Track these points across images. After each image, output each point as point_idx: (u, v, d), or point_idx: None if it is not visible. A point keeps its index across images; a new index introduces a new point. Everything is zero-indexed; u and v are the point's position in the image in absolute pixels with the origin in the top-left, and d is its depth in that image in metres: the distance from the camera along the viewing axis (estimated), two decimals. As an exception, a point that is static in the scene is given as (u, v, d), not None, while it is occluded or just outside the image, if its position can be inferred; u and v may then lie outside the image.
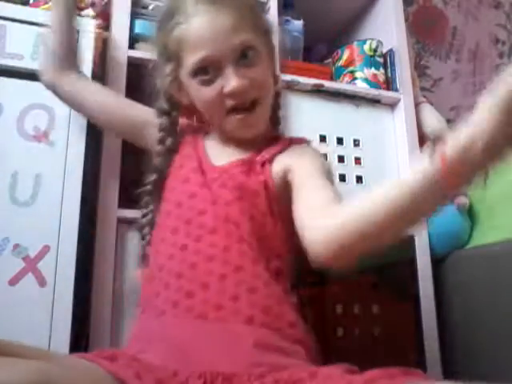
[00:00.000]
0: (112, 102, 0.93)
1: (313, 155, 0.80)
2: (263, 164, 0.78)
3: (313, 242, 0.64)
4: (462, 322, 1.27)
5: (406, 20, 2.02)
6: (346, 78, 1.46)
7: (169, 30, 0.75)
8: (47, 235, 0.94)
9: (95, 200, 1.10)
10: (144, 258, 0.88)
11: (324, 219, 0.64)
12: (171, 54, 0.76)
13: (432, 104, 1.61)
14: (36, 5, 1.11)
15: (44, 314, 0.90)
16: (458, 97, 2.23)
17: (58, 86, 0.93)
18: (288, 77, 1.30)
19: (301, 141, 0.86)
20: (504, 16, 2.43)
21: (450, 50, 2.27)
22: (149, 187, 0.86)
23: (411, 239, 1.31)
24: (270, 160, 0.78)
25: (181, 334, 0.68)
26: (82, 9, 1.22)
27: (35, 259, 0.92)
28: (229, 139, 0.83)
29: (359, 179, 1.34)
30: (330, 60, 1.55)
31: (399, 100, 1.43)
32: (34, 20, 1.03)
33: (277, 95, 0.89)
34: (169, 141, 0.83)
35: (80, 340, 1.02)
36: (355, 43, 1.47)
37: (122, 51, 1.15)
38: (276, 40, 0.85)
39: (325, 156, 1.30)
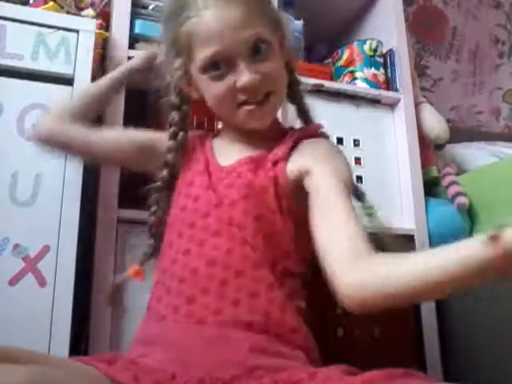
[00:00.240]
0: (122, 137, 0.91)
1: (332, 156, 0.78)
2: (276, 162, 0.76)
3: (344, 288, 0.63)
4: (462, 321, 1.27)
5: (406, 20, 2.02)
6: (346, 78, 1.46)
7: (179, 25, 0.73)
8: (47, 235, 0.94)
9: (95, 200, 1.10)
10: (149, 257, 0.88)
11: (358, 272, 0.61)
12: (181, 49, 0.75)
13: (432, 104, 1.61)
14: (36, 5, 1.11)
15: (44, 314, 0.90)
16: (458, 97, 2.23)
17: (61, 135, 0.89)
18: (288, 77, 1.30)
19: (313, 133, 0.85)
20: (504, 16, 2.43)
21: (449, 50, 2.27)
22: (159, 183, 0.83)
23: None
24: (284, 158, 0.77)
25: (181, 339, 0.68)
26: (81, 9, 1.22)
27: (35, 259, 0.92)
28: (238, 136, 0.82)
29: (359, 179, 1.34)
30: (330, 60, 1.55)
31: (399, 100, 1.43)
32: (34, 20, 1.03)
33: (296, 83, 0.87)
34: (181, 135, 0.82)
35: (80, 340, 1.02)
36: (355, 43, 1.47)
37: (122, 51, 1.15)
38: (287, 30, 0.84)
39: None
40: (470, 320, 1.25)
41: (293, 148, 0.79)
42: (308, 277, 0.80)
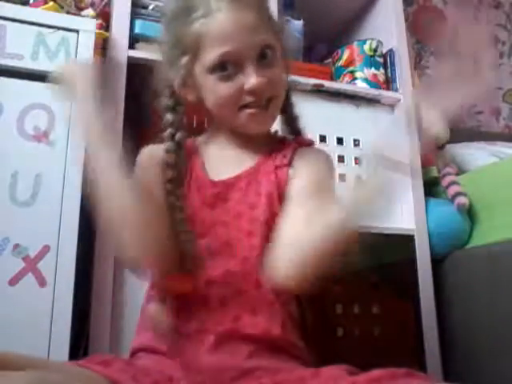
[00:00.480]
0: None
1: (314, 164, 0.79)
2: (278, 167, 0.77)
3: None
4: (462, 321, 1.27)
5: (406, 20, 2.02)
6: (346, 78, 1.46)
7: (187, 24, 0.73)
8: (47, 235, 0.94)
9: (95, 200, 1.09)
10: None
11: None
12: (187, 48, 0.74)
13: (432, 104, 1.61)
14: (36, 5, 1.11)
15: (44, 314, 0.90)
16: (458, 97, 2.22)
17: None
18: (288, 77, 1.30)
19: (310, 143, 0.86)
20: (504, 16, 2.43)
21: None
22: (168, 186, 0.77)
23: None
24: (288, 163, 0.77)
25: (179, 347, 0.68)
26: (81, 9, 1.23)
27: (35, 259, 0.92)
28: (232, 142, 0.81)
29: (359, 179, 1.34)
30: (329, 60, 1.55)
31: (399, 100, 1.43)
32: (34, 20, 1.03)
33: (288, 95, 0.88)
34: (178, 135, 0.78)
35: (80, 340, 1.02)
36: (355, 43, 1.47)
37: (122, 51, 1.15)
38: (287, 39, 0.84)
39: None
40: (470, 320, 1.25)
41: (293, 154, 0.79)
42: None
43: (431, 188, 1.44)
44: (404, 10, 1.56)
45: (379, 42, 1.48)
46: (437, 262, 1.33)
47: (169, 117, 0.79)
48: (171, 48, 0.76)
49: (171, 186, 0.75)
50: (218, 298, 0.69)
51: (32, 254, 0.92)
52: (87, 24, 1.08)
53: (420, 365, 1.20)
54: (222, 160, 0.81)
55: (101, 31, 1.11)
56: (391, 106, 1.45)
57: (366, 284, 1.27)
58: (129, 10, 1.19)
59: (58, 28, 1.04)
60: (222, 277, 0.70)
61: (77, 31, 1.06)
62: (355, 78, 1.44)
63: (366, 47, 1.46)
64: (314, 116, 1.35)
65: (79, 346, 1.02)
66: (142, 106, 1.21)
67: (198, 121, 1.11)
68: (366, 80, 1.43)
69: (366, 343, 1.20)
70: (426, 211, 1.35)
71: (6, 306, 0.88)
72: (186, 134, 0.80)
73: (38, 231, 0.94)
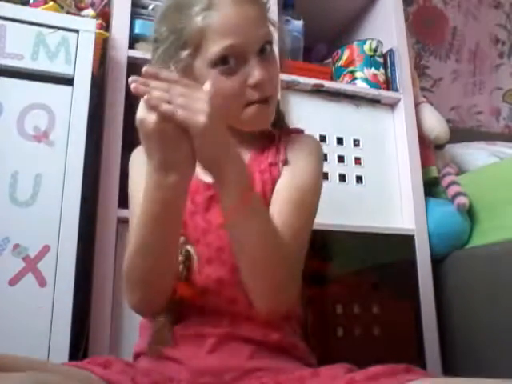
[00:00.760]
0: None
1: (309, 156, 0.79)
2: (274, 164, 0.76)
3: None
4: (462, 321, 1.27)
5: (406, 20, 2.02)
6: (346, 78, 1.46)
7: (188, 17, 0.71)
8: (47, 235, 0.94)
9: (95, 200, 1.10)
10: None
11: None
12: (189, 41, 0.72)
13: (432, 104, 1.61)
14: (36, 5, 1.11)
15: (44, 314, 0.90)
16: (458, 97, 2.23)
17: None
18: (288, 77, 1.30)
19: (295, 131, 0.85)
20: (504, 16, 2.43)
21: (449, 50, 2.27)
22: None
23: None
24: (284, 160, 0.77)
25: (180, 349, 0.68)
26: (81, 9, 1.22)
27: (35, 259, 0.92)
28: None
29: (359, 179, 1.34)
30: (329, 60, 1.55)
31: (399, 100, 1.43)
32: (34, 20, 1.03)
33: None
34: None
35: (80, 340, 1.02)
36: (355, 43, 1.47)
37: (122, 51, 1.15)
38: (283, 40, 0.84)
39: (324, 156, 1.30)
40: (470, 320, 1.25)
41: (286, 149, 0.79)
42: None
43: (431, 188, 1.44)
44: (404, 10, 1.56)
45: (379, 42, 1.48)
46: (437, 262, 1.34)
47: None
48: (169, 43, 0.74)
49: None
50: (212, 306, 0.69)
51: (32, 254, 0.92)
52: (87, 24, 1.08)
53: (420, 364, 1.20)
54: None
55: (101, 31, 1.11)
56: (391, 106, 1.45)
57: (366, 284, 1.26)
58: (129, 9, 1.19)
59: (58, 28, 1.04)
60: (214, 285, 0.69)
61: (77, 31, 1.06)
62: (355, 78, 1.44)
63: (366, 47, 1.46)
64: (314, 116, 1.35)
65: (79, 346, 1.02)
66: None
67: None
68: (366, 80, 1.43)
69: (365, 343, 1.20)
70: (426, 211, 1.35)
71: (6, 306, 0.88)
72: None
73: (38, 231, 0.94)
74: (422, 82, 2.10)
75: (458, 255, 1.32)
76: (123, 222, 1.04)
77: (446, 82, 2.22)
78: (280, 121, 0.86)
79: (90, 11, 1.21)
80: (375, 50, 1.46)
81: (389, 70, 1.47)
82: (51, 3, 1.12)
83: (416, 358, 1.23)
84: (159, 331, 0.67)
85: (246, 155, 0.79)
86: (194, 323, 0.68)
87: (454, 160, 1.57)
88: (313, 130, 1.30)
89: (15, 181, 0.95)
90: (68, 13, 1.16)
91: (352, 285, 1.24)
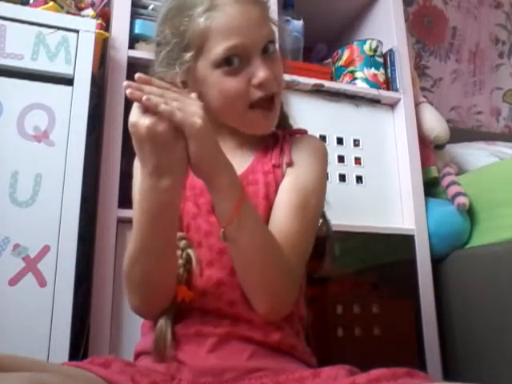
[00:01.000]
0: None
1: (313, 157, 0.78)
2: (278, 165, 0.76)
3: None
4: (462, 321, 1.27)
5: (406, 20, 2.02)
6: (346, 78, 1.46)
7: (191, 18, 0.71)
8: (47, 235, 0.94)
9: (95, 200, 1.10)
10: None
11: None
12: (192, 43, 0.72)
13: (432, 104, 1.61)
14: (36, 5, 1.11)
15: (44, 314, 0.90)
16: (458, 97, 2.23)
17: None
18: (288, 77, 1.30)
19: (299, 132, 0.84)
20: (504, 16, 2.43)
21: (450, 49, 2.27)
22: None
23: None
24: (289, 162, 0.76)
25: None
26: (81, 9, 1.23)
27: (35, 259, 0.92)
28: (229, 144, 0.78)
29: (359, 179, 1.34)
30: (329, 60, 1.55)
31: (399, 100, 1.43)
32: (34, 20, 1.03)
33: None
34: None
35: (80, 340, 1.02)
36: (355, 43, 1.47)
37: (122, 51, 1.15)
38: (284, 40, 0.84)
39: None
40: (470, 320, 1.25)
41: (290, 150, 0.78)
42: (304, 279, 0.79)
43: (431, 188, 1.44)
44: (404, 10, 1.56)
45: (379, 42, 1.48)
46: (437, 261, 1.34)
47: None
48: (172, 45, 0.74)
49: None
50: (213, 307, 0.69)
51: (32, 254, 0.92)
52: (87, 24, 1.08)
53: (420, 364, 1.20)
54: None
55: (101, 31, 1.11)
56: (391, 106, 1.45)
57: (366, 284, 1.27)
58: (129, 9, 1.19)
59: (58, 28, 1.04)
60: (214, 287, 0.69)
61: (77, 31, 1.06)
62: (355, 78, 1.44)
63: (366, 47, 1.46)
64: (314, 116, 1.35)
65: (79, 346, 1.02)
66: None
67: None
68: (366, 80, 1.43)
69: (366, 343, 1.20)
70: (426, 211, 1.35)
71: (6, 306, 0.88)
72: None
73: (38, 231, 0.94)
74: (422, 82, 2.10)
75: (458, 255, 1.32)
76: (123, 222, 1.04)
77: (446, 82, 2.22)
78: (284, 121, 0.86)
79: (89, 11, 1.21)
80: (375, 50, 1.46)
81: (389, 69, 1.47)
82: (51, 3, 1.12)
83: (416, 358, 1.23)
84: (161, 334, 0.67)
85: (250, 157, 0.78)
86: (194, 323, 0.68)
87: (454, 160, 1.57)
88: (313, 130, 1.30)
89: (15, 181, 0.95)
90: (68, 13, 1.16)
91: (352, 285, 1.25)
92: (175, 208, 0.63)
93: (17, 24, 1.02)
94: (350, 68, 1.46)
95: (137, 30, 1.20)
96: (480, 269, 1.24)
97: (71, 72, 1.03)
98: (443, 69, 2.23)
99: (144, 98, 0.56)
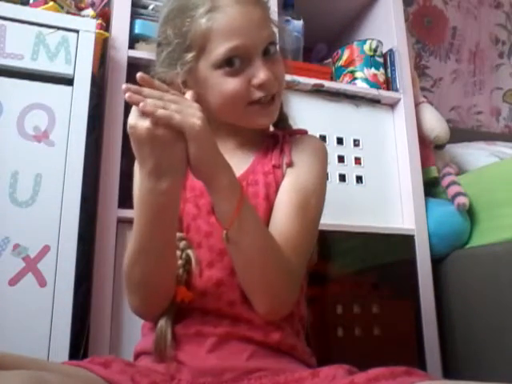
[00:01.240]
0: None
1: (313, 157, 0.78)
2: (278, 166, 0.76)
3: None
4: (462, 321, 1.27)
5: (406, 20, 2.02)
6: (346, 78, 1.46)
7: (193, 19, 0.71)
8: (47, 235, 0.94)
9: (95, 200, 1.10)
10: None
11: None
12: (193, 44, 0.72)
13: (432, 104, 1.61)
14: (36, 5, 1.11)
15: (44, 314, 0.90)
16: (458, 97, 2.23)
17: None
18: (288, 77, 1.29)
19: (299, 132, 0.84)
20: (504, 16, 2.43)
21: (450, 49, 2.27)
22: None
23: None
24: (289, 162, 0.76)
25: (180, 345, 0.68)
26: (81, 9, 1.23)
27: (35, 259, 0.92)
28: (230, 144, 0.79)
29: (359, 179, 1.34)
30: (329, 60, 1.55)
31: (399, 100, 1.43)
32: (34, 20, 1.03)
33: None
34: None
35: (80, 340, 1.02)
36: (355, 43, 1.47)
37: (122, 51, 1.15)
38: (285, 40, 0.84)
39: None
40: (470, 320, 1.25)
41: (291, 150, 0.78)
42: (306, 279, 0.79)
43: (431, 188, 1.44)
44: (404, 10, 1.56)
45: (379, 42, 1.48)
46: (437, 261, 1.34)
47: None
48: (174, 46, 0.74)
49: None
50: (212, 308, 0.69)
51: (32, 254, 0.92)
52: (87, 24, 1.08)
53: (420, 364, 1.20)
54: None
55: (101, 31, 1.11)
56: (391, 106, 1.45)
57: (366, 284, 1.27)
58: (129, 9, 1.19)
59: (58, 28, 1.04)
60: (214, 288, 0.70)
61: (77, 31, 1.06)
62: (355, 78, 1.44)
63: (366, 47, 1.46)
64: (314, 116, 1.35)
65: (79, 346, 1.02)
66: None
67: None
68: (366, 80, 1.43)
69: (365, 343, 1.20)
70: (426, 211, 1.35)
71: (6, 306, 0.88)
72: None
73: (38, 231, 0.94)
74: (422, 82, 2.10)
75: (458, 255, 1.32)
76: (123, 222, 1.04)
77: (446, 82, 2.22)
78: (284, 122, 0.86)
79: (89, 11, 1.21)
80: (375, 50, 1.46)
81: (389, 69, 1.47)
82: (51, 3, 1.12)
83: (416, 358, 1.23)
84: (162, 334, 0.67)
85: (250, 157, 0.79)
86: (194, 323, 0.68)
87: (454, 160, 1.57)
88: (313, 129, 1.30)
89: (15, 181, 0.95)
90: (68, 13, 1.16)
91: (352, 285, 1.25)
92: (174, 209, 0.64)
93: (17, 24, 1.02)
94: (350, 68, 1.46)
95: (137, 30, 1.20)
96: (480, 269, 1.24)
97: (71, 72, 1.03)
98: (443, 69, 2.23)
99: (141, 104, 0.57)
